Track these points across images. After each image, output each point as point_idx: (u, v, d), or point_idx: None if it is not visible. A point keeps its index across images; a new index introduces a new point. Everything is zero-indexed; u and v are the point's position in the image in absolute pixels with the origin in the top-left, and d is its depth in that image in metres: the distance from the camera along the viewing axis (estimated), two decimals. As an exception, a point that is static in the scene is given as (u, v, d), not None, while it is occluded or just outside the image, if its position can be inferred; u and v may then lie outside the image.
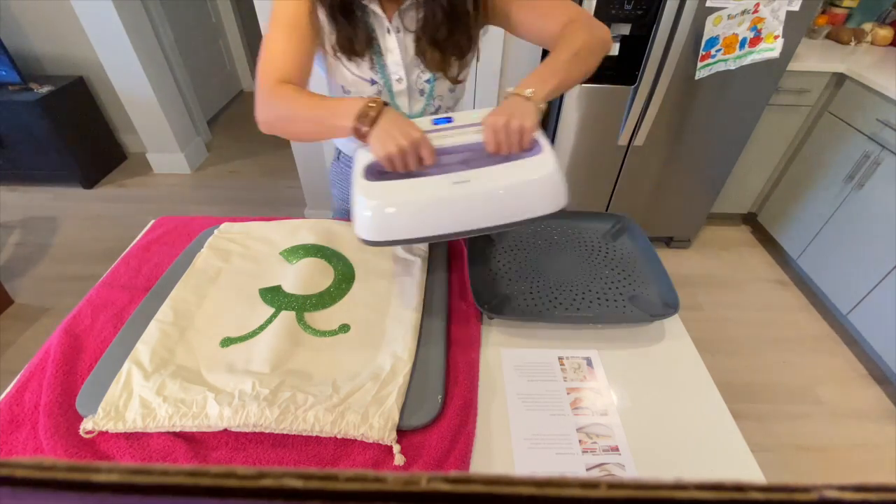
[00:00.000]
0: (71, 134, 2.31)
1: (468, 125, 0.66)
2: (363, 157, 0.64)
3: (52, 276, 1.92)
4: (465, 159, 0.66)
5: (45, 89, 2.17)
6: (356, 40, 0.71)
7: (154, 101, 2.34)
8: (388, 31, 0.73)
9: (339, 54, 0.73)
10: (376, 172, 0.62)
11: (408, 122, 0.62)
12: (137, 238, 0.86)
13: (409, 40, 0.74)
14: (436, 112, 0.83)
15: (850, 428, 1.44)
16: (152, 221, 0.91)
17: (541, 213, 0.60)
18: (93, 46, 2.15)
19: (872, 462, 1.36)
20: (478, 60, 0.82)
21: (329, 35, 0.72)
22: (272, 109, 0.67)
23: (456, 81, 0.79)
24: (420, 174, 0.61)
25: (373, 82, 0.77)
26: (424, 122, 0.67)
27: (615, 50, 1.48)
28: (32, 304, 1.78)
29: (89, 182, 2.48)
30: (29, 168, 2.35)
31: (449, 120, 0.68)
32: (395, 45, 0.73)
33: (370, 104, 0.62)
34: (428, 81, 0.78)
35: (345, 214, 1.01)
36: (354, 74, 0.76)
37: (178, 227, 0.88)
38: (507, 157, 0.62)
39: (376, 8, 0.70)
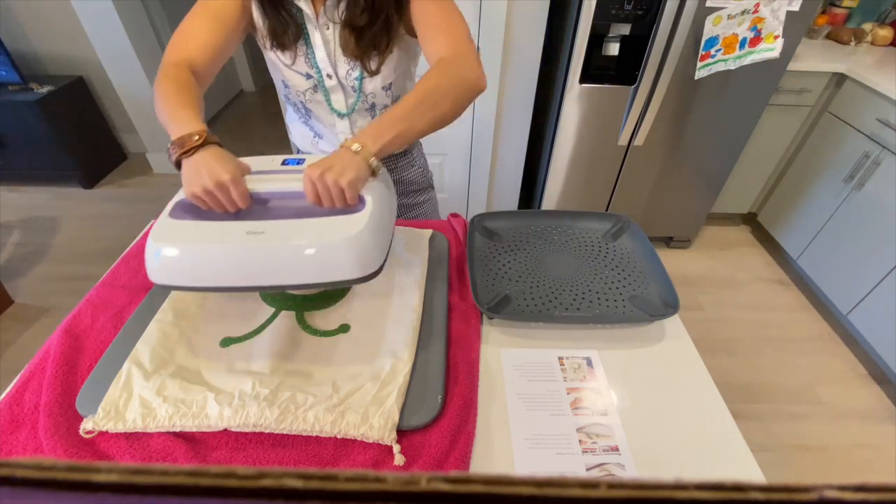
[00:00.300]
0: (71, 134, 2.31)
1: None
2: (180, 191, 0.60)
3: (52, 276, 1.92)
4: (297, 208, 0.60)
5: (45, 89, 2.17)
6: (283, 32, 0.72)
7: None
8: (315, 28, 0.74)
9: (271, 46, 0.75)
10: (189, 209, 0.59)
11: (224, 163, 0.57)
12: (137, 238, 0.86)
13: (336, 35, 0.74)
14: (370, 108, 0.84)
15: (850, 428, 1.44)
16: (152, 221, 0.91)
17: (337, 278, 0.55)
18: (93, 46, 2.15)
19: (872, 462, 1.36)
20: (415, 66, 0.84)
21: (260, 27, 0.73)
22: (155, 88, 0.65)
23: (372, 73, 0.78)
24: (226, 217, 0.57)
25: (308, 76, 0.79)
26: (275, 162, 0.64)
27: (615, 50, 1.48)
28: (32, 304, 1.78)
29: (89, 182, 2.48)
30: (29, 168, 2.35)
31: (299, 162, 0.64)
32: (320, 41, 0.74)
33: (194, 135, 0.58)
34: (357, 78, 0.79)
35: None
36: (290, 69, 0.78)
37: (178, 227, 0.88)
38: (332, 211, 0.58)
39: (303, 4, 0.71)
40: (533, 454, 0.55)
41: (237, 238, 0.53)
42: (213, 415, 0.54)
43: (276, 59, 0.78)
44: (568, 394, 0.61)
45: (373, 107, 0.84)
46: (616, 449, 0.55)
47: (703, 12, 1.40)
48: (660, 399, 0.61)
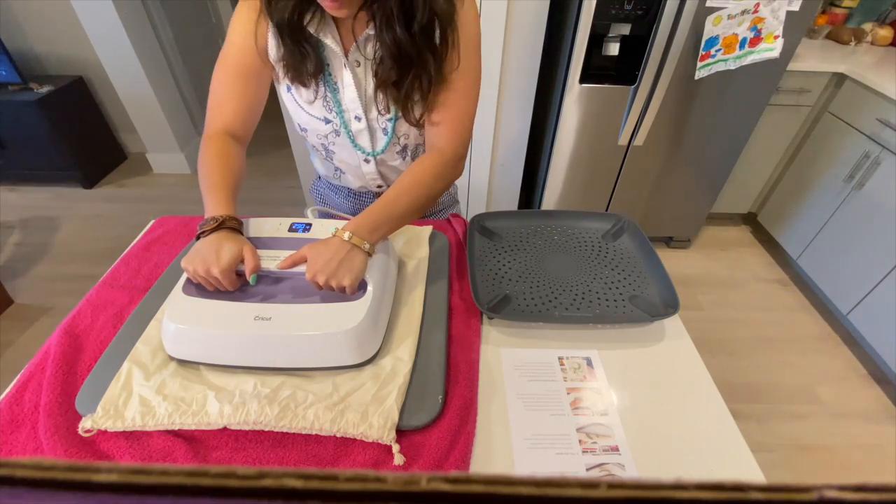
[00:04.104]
0: (71, 134, 2.31)
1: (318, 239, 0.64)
2: None
3: (52, 276, 1.92)
4: (300, 285, 0.63)
5: (45, 89, 2.17)
6: (303, 68, 0.67)
7: (154, 101, 2.34)
8: (345, 66, 0.68)
9: (290, 80, 0.69)
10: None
11: (224, 252, 0.59)
12: (137, 238, 0.86)
13: (369, 75, 0.69)
14: (402, 151, 0.79)
15: (850, 428, 1.44)
16: (152, 221, 0.91)
17: (336, 364, 0.59)
18: (93, 46, 2.15)
19: (872, 462, 1.36)
20: None
21: (277, 62, 0.68)
22: (198, 162, 0.69)
23: (416, 125, 0.72)
24: (235, 297, 0.61)
25: (326, 121, 0.74)
26: (283, 227, 0.68)
27: (615, 50, 1.48)
28: (32, 304, 1.78)
29: (89, 182, 2.48)
30: (29, 168, 2.35)
31: (306, 227, 0.68)
32: (352, 80, 0.69)
33: (211, 220, 0.62)
34: (389, 120, 0.74)
35: None
36: (308, 114, 0.74)
37: (178, 227, 0.88)
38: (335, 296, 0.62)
39: (331, 42, 0.65)
40: (533, 454, 0.55)
41: (246, 324, 0.57)
42: (213, 412, 0.54)
43: (291, 101, 0.73)
44: (568, 394, 0.61)
45: (405, 148, 0.79)
46: (616, 449, 0.55)
47: (703, 12, 1.40)
48: (660, 399, 0.61)
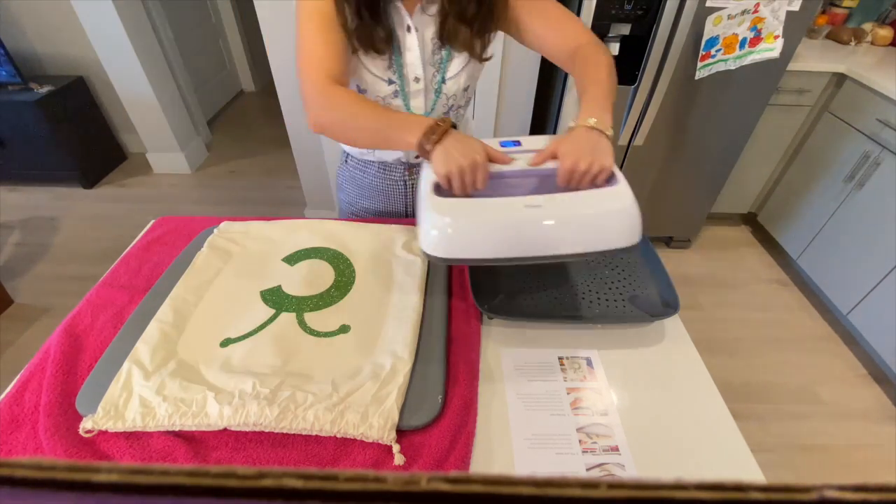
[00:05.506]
0: (71, 134, 2.31)
1: (536, 150, 0.66)
2: (429, 174, 0.64)
3: (52, 276, 1.92)
4: (529, 185, 0.66)
5: (45, 89, 2.17)
6: (377, 36, 0.70)
7: (154, 101, 2.34)
8: (409, 29, 0.73)
9: (364, 50, 0.72)
10: (439, 190, 0.63)
11: (472, 144, 0.62)
12: (137, 238, 0.86)
13: (428, 38, 0.75)
14: (448, 111, 0.84)
15: (850, 428, 1.44)
16: (152, 221, 0.91)
17: (615, 245, 0.59)
18: (93, 46, 2.15)
19: (872, 462, 1.36)
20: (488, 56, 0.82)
21: (350, 31, 0.71)
22: (329, 112, 0.68)
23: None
24: (483, 195, 0.61)
25: (390, 82, 0.77)
26: (492, 143, 0.68)
27: (615, 50, 1.48)
28: (32, 304, 1.78)
29: (89, 182, 2.48)
30: (29, 168, 2.35)
31: (517, 143, 0.69)
32: (415, 42, 0.73)
33: (439, 122, 0.63)
34: (440, 80, 0.78)
35: (350, 216, 1.00)
36: (373, 74, 0.76)
37: (178, 227, 0.88)
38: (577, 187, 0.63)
39: (399, 4, 0.70)
40: (533, 454, 0.55)
41: (519, 211, 0.57)
42: (212, 414, 0.54)
43: (357, 64, 0.76)
44: (568, 394, 0.61)
45: (449, 110, 0.84)
46: (616, 449, 0.55)
47: (703, 12, 1.40)
48: (660, 399, 0.61)
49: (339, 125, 0.70)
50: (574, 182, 0.62)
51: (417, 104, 0.80)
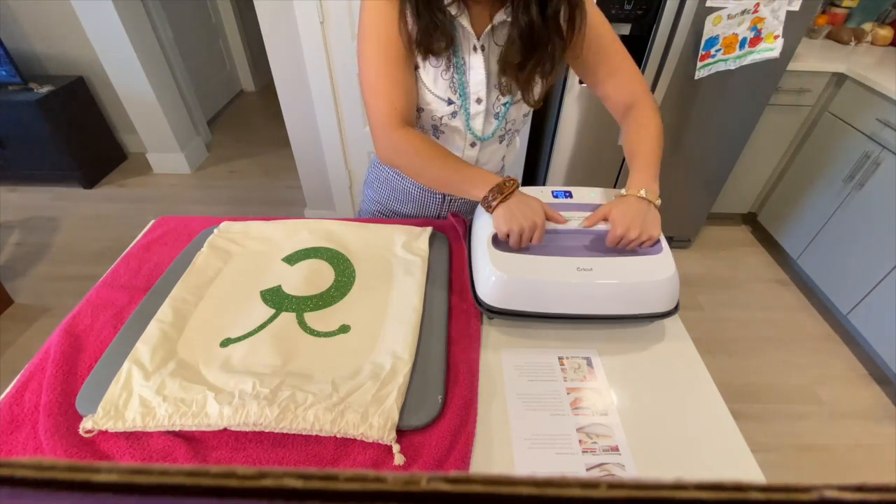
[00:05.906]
0: (71, 134, 2.31)
1: (585, 202, 0.74)
2: (487, 224, 0.69)
3: (52, 276, 1.92)
4: (580, 242, 0.72)
5: (45, 89, 2.17)
6: (436, 37, 0.68)
7: (154, 101, 2.34)
8: (475, 49, 0.71)
9: (422, 53, 0.71)
10: (496, 240, 0.68)
11: (533, 206, 0.66)
12: (137, 238, 0.86)
13: (494, 60, 0.73)
14: (505, 134, 0.84)
15: (850, 428, 1.44)
16: (152, 221, 0.91)
17: (654, 310, 0.65)
18: (93, 46, 2.15)
19: (872, 462, 1.36)
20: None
21: (411, 32, 0.69)
22: (399, 156, 0.73)
23: (534, 105, 0.78)
24: (536, 249, 0.66)
25: (449, 102, 0.76)
26: (545, 192, 0.74)
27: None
28: (32, 304, 1.78)
29: (89, 182, 2.48)
30: (29, 168, 2.36)
31: (568, 195, 0.75)
32: (481, 63, 0.72)
33: (507, 182, 0.68)
34: (505, 105, 0.78)
35: (374, 215, 1.00)
36: (433, 93, 0.75)
37: (178, 227, 0.88)
38: (623, 251, 0.68)
39: (465, 22, 0.68)
40: (533, 454, 0.55)
41: (571, 274, 0.63)
42: (212, 414, 0.54)
43: (421, 85, 0.75)
44: (568, 394, 0.61)
45: (506, 134, 0.84)
46: (616, 449, 0.55)
47: (703, 12, 1.40)
48: (660, 399, 0.61)
49: (409, 169, 0.75)
50: (622, 245, 0.67)
51: (476, 125, 0.79)
